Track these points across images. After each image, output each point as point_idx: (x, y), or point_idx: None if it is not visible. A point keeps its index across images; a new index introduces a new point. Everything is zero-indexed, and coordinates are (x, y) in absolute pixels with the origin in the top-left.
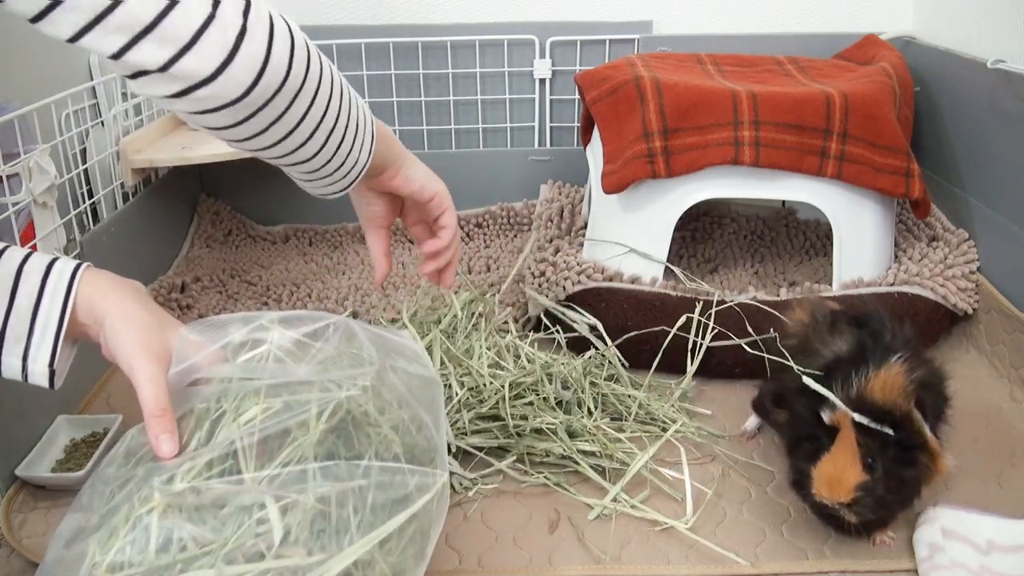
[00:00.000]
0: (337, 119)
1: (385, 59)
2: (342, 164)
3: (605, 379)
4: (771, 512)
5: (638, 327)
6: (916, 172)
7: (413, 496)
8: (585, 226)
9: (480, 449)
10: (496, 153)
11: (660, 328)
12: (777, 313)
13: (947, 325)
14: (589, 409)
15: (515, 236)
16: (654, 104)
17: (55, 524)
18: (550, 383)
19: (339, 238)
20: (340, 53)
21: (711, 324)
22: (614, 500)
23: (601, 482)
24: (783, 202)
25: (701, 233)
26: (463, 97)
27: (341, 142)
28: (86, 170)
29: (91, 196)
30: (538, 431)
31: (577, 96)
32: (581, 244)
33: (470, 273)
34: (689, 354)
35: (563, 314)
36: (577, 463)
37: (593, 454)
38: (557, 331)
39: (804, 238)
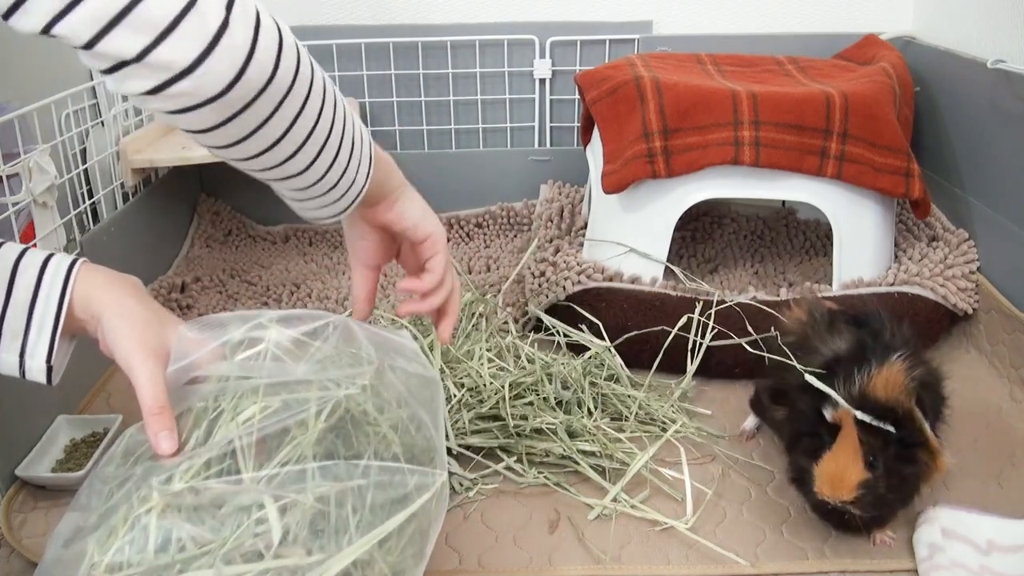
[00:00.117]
0: (330, 134)
1: (385, 59)
2: (335, 184)
3: (605, 379)
4: (771, 512)
5: (638, 327)
6: (916, 172)
7: (412, 496)
8: (585, 226)
9: (480, 449)
10: (496, 153)
11: (660, 328)
12: (776, 313)
13: (947, 325)
14: (589, 409)
15: (515, 236)
16: (654, 104)
17: (55, 524)
18: (550, 383)
19: (339, 238)
20: (340, 53)
21: (711, 324)
22: (614, 500)
23: (601, 482)
24: (783, 202)
25: (701, 233)
26: (463, 97)
27: (334, 160)
28: (86, 170)
29: (91, 196)
30: (538, 431)
31: (577, 96)
32: (581, 244)
33: (470, 273)
34: (689, 354)
35: (555, 329)
36: (577, 463)
37: (593, 454)
38: (557, 332)
39: (804, 238)
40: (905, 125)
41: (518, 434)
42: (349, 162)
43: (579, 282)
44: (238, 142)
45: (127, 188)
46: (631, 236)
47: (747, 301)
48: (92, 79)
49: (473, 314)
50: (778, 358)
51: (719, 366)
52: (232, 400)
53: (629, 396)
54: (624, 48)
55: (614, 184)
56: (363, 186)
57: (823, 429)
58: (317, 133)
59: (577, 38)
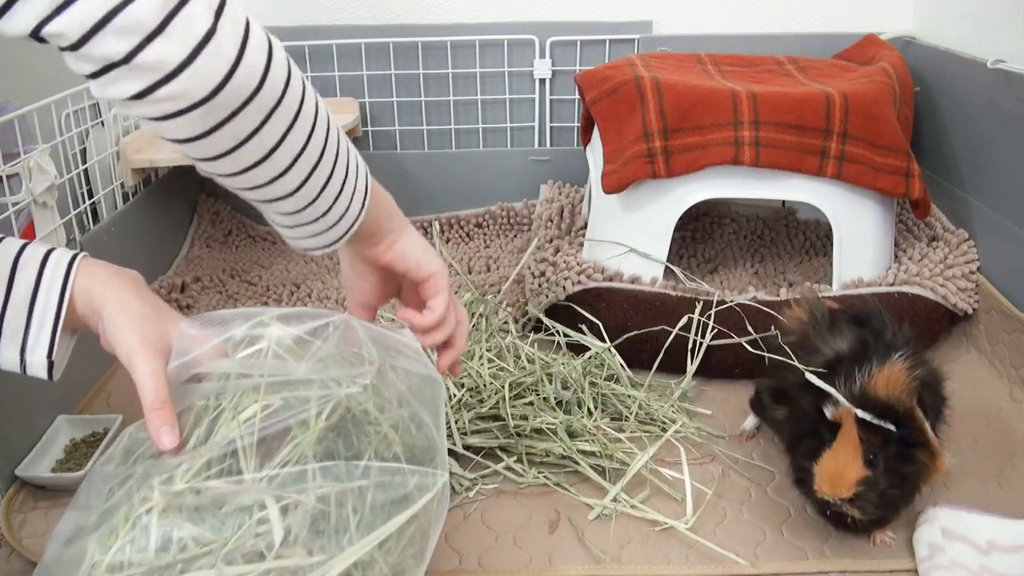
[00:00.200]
0: (321, 157)
1: (385, 59)
2: (326, 211)
3: (605, 379)
4: (771, 512)
5: (638, 327)
6: (916, 172)
7: (413, 496)
8: (585, 226)
9: (480, 449)
10: (496, 153)
11: (660, 328)
12: (776, 313)
13: (947, 325)
14: (589, 409)
15: (515, 236)
16: (654, 104)
17: (55, 524)
18: (550, 383)
19: None
20: (340, 53)
21: (711, 324)
22: (614, 500)
23: (601, 482)
24: (783, 202)
25: (701, 233)
26: (463, 97)
27: (325, 185)
28: (86, 170)
29: (91, 196)
30: (538, 431)
31: (577, 96)
32: (581, 244)
33: (470, 273)
34: (689, 354)
35: (555, 329)
36: (577, 463)
37: (593, 454)
38: (557, 332)
39: (804, 238)
40: (905, 125)
41: (518, 434)
42: (342, 190)
43: (579, 282)
44: (224, 154)
45: (127, 188)
46: (631, 236)
47: (747, 301)
48: None
49: (473, 314)
50: (778, 358)
51: (719, 366)
52: (233, 399)
53: (629, 396)
54: (624, 48)
55: (614, 184)
56: (357, 217)
57: (824, 428)
58: (307, 154)
59: (577, 38)
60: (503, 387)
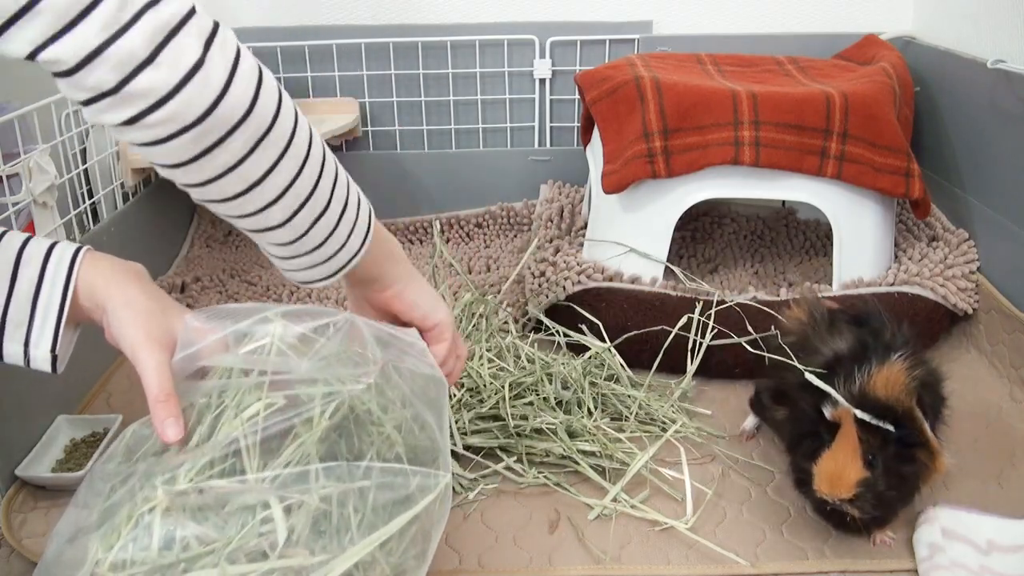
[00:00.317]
0: (314, 190)
1: (385, 59)
2: (321, 244)
3: (605, 379)
4: (771, 512)
5: (638, 327)
6: (916, 172)
7: (415, 497)
8: (585, 226)
9: (480, 449)
10: (496, 153)
11: (660, 328)
12: (776, 313)
13: (947, 325)
14: (589, 409)
15: (515, 236)
16: (654, 104)
17: (55, 524)
18: (550, 383)
19: None
20: (340, 53)
21: (711, 324)
22: (614, 500)
23: (601, 482)
24: (783, 202)
25: (701, 233)
26: (463, 97)
27: (319, 219)
28: (86, 170)
29: (91, 196)
30: (538, 431)
31: (577, 96)
32: (581, 244)
33: (470, 273)
34: (689, 354)
35: (555, 330)
36: (577, 463)
37: (593, 454)
38: (557, 332)
39: (804, 238)
40: (905, 125)
41: (518, 434)
42: (338, 225)
43: (579, 282)
44: (212, 180)
45: (127, 188)
46: (631, 236)
47: (747, 301)
48: None
49: (473, 314)
50: (778, 358)
51: (719, 366)
52: (235, 397)
53: (629, 396)
54: (624, 48)
55: (614, 184)
56: (356, 252)
57: (823, 428)
58: (297, 187)
59: (577, 38)
60: (503, 387)
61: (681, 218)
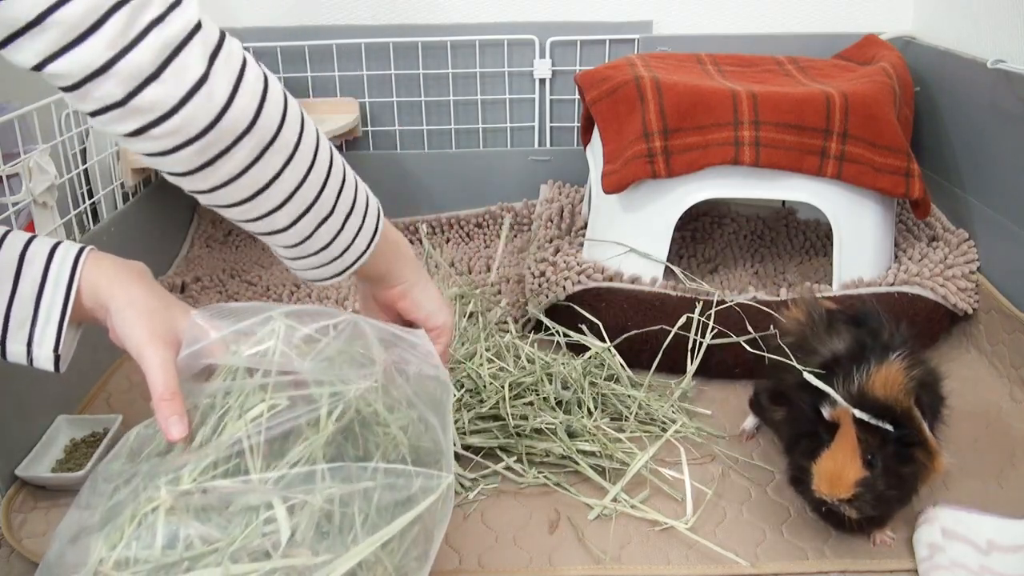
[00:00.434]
0: (320, 195)
1: (385, 59)
2: (325, 247)
3: (605, 379)
4: (771, 512)
5: (638, 327)
6: (916, 172)
7: (418, 497)
8: (585, 226)
9: (480, 449)
10: (496, 153)
11: (660, 328)
12: (776, 313)
13: (947, 325)
14: (589, 409)
15: (515, 236)
16: (654, 104)
17: (55, 524)
18: (550, 383)
19: None
20: (340, 53)
21: (711, 324)
22: (614, 500)
23: (601, 482)
24: (783, 202)
25: (701, 233)
26: (463, 97)
27: (323, 222)
28: (86, 170)
29: (91, 196)
30: (538, 431)
31: (577, 96)
32: (581, 244)
33: (470, 273)
34: (689, 354)
35: (555, 330)
36: (577, 463)
37: (593, 454)
38: (557, 332)
39: (804, 238)
40: (905, 125)
41: (518, 434)
42: (344, 227)
43: (579, 282)
44: (218, 187)
45: (127, 188)
46: (631, 236)
47: (747, 301)
48: None
49: (473, 314)
50: (777, 358)
51: (719, 366)
52: (239, 397)
53: (629, 396)
54: (624, 48)
55: (614, 184)
56: (363, 253)
57: (822, 428)
58: (302, 192)
59: (577, 38)
60: (503, 387)
61: (681, 218)
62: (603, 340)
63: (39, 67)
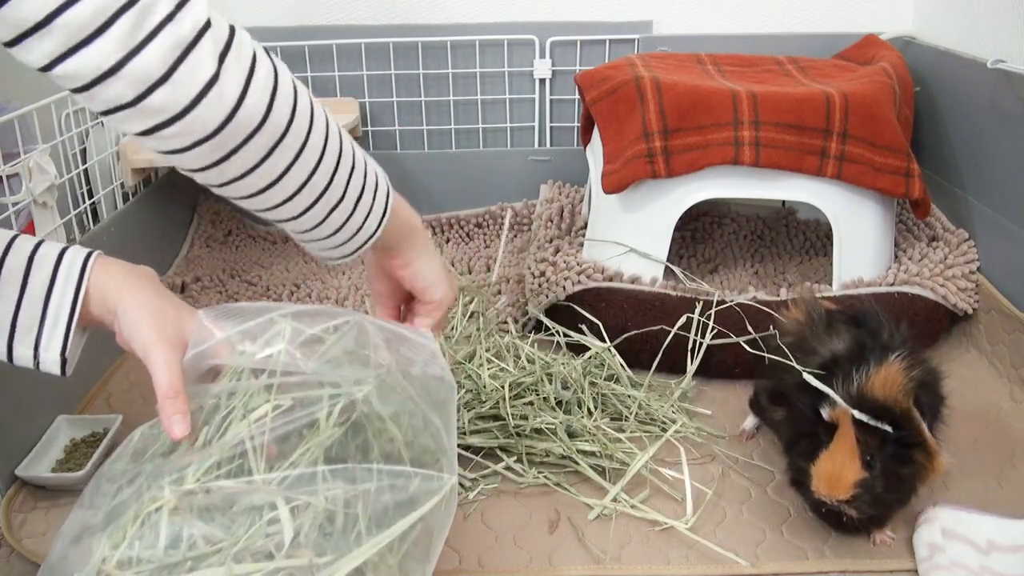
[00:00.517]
0: (330, 182)
1: (385, 59)
2: (337, 230)
3: (605, 379)
4: (771, 512)
5: (638, 327)
6: (916, 172)
7: (420, 498)
8: (585, 226)
9: (480, 449)
10: (496, 153)
11: (660, 328)
12: (776, 313)
13: (947, 325)
14: (589, 409)
15: (515, 236)
16: (654, 104)
17: (55, 524)
18: (550, 383)
19: None
20: (340, 53)
21: (711, 324)
22: (614, 500)
23: (601, 482)
24: (783, 202)
25: (701, 233)
26: (463, 97)
27: (335, 207)
28: (86, 170)
29: (91, 196)
30: (538, 431)
31: (577, 96)
32: (581, 244)
33: (470, 273)
34: (689, 354)
35: (555, 330)
36: (577, 463)
37: (593, 454)
38: (557, 332)
39: (804, 238)
40: (905, 125)
41: (518, 434)
42: (354, 210)
43: (579, 282)
44: (232, 181)
45: (127, 188)
46: (631, 236)
47: (747, 301)
48: None
49: (473, 314)
50: (776, 358)
51: (719, 366)
52: (243, 398)
53: (629, 396)
54: (624, 48)
55: (614, 184)
56: (373, 233)
57: (821, 429)
58: (314, 181)
59: (577, 38)
60: (503, 387)
61: (681, 218)
62: (603, 340)
63: (48, 68)
